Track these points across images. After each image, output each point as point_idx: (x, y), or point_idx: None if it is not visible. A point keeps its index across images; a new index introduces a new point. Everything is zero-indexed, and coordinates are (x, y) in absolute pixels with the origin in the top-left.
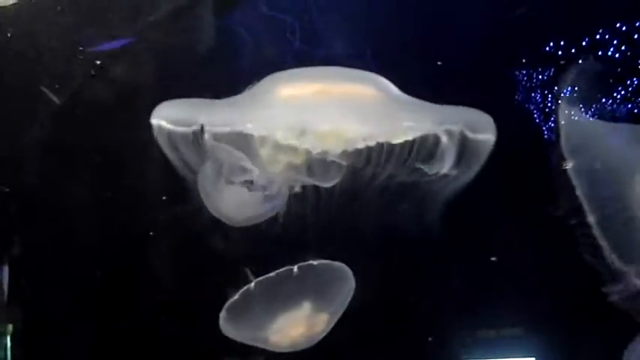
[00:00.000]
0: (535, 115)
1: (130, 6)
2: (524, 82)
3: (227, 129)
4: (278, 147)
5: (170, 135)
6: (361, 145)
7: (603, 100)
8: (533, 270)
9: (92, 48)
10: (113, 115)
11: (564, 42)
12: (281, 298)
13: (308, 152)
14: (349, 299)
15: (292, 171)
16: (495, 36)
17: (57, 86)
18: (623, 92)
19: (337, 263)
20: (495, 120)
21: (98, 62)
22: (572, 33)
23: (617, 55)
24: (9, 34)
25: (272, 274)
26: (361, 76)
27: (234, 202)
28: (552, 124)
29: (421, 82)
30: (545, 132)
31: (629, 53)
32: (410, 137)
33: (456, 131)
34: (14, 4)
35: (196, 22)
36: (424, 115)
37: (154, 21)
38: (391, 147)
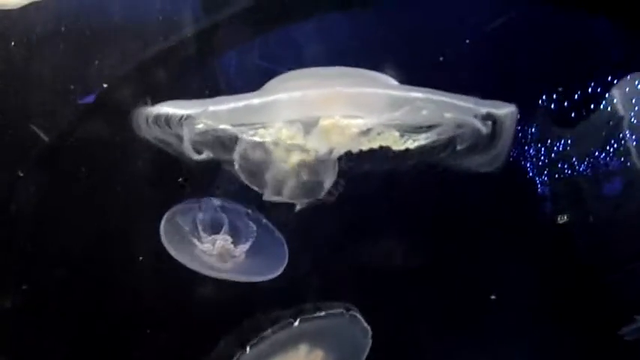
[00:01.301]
0: (529, 170)
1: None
2: (518, 137)
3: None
4: (286, 146)
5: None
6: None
7: (596, 154)
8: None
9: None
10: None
11: (557, 96)
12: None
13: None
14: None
15: (302, 170)
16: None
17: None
18: (616, 146)
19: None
20: (489, 174)
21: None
22: (566, 87)
23: (608, 109)
24: None
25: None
26: (370, 75)
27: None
28: (546, 179)
29: None
30: (539, 187)
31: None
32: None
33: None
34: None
35: (185, 66)
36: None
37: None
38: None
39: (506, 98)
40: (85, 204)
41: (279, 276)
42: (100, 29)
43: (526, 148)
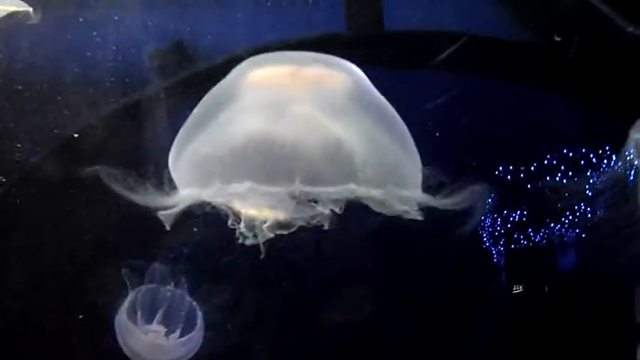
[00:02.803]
0: (485, 240)
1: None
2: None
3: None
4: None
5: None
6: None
7: (552, 224)
8: None
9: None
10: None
11: (513, 167)
12: None
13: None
14: None
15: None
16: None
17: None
18: (571, 217)
19: None
20: (447, 243)
21: None
22: (521, 158)
23: (564, 181)
24: None
25: None
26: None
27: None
28: (502, 249)
29: None
30: (495, 256)
31: (576, 179)
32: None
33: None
34: None
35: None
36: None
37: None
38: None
39: (463, 169)
40: (22, 257)
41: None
42: (53, 87)
43: (482, 217)
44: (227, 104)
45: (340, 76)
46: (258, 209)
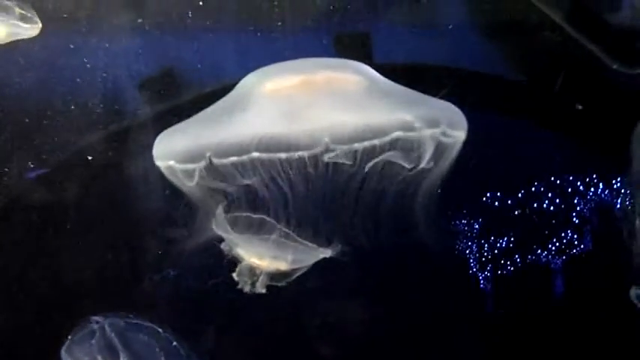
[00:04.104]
0: (472, 265)
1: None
2: (463, 232)
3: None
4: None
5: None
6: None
7: (539, 251)
8: None
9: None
10: None
11: (500, 194)
12: None
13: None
14: None
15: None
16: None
17: None
18: (557, 244)
19: None
20: (434, 267)
21: None
22: (508, 185)
23: (551, 208)
24: None
25: None
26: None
27: None
28: (488, 274)
29: None
30: (482, 282)
31: (562, 206)
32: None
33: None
34: None
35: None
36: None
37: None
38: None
39: (452, 195)
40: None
41: None
42: (41, 113)
43: (469, 243)
44: (238, 112)
45: (351, 77)
46: (259, 258)
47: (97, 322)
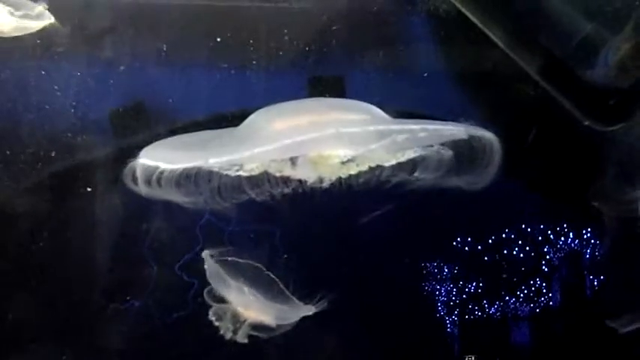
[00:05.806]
0: (440, 309)
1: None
2: (433, 275)
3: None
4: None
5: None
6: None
7: (507, 298)
8: None
9: None
10: None
11: (471, 239)
12: None
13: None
14: None
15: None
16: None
17: None
18: (526, 291)
19: None
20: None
21: None
22: (479, 232)
23: (521, 255)
24: None
25: None
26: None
27: None
28: (455, 319)
29: None
30: (448, 326)
31: (532, 254)
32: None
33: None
34: None
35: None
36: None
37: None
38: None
39: (423, 240)
40: None
41: None
42: (6, 137)
43: (438, 286)
44: (244, 142)
45: (357, 117)
46: (246, 308)
47: None
